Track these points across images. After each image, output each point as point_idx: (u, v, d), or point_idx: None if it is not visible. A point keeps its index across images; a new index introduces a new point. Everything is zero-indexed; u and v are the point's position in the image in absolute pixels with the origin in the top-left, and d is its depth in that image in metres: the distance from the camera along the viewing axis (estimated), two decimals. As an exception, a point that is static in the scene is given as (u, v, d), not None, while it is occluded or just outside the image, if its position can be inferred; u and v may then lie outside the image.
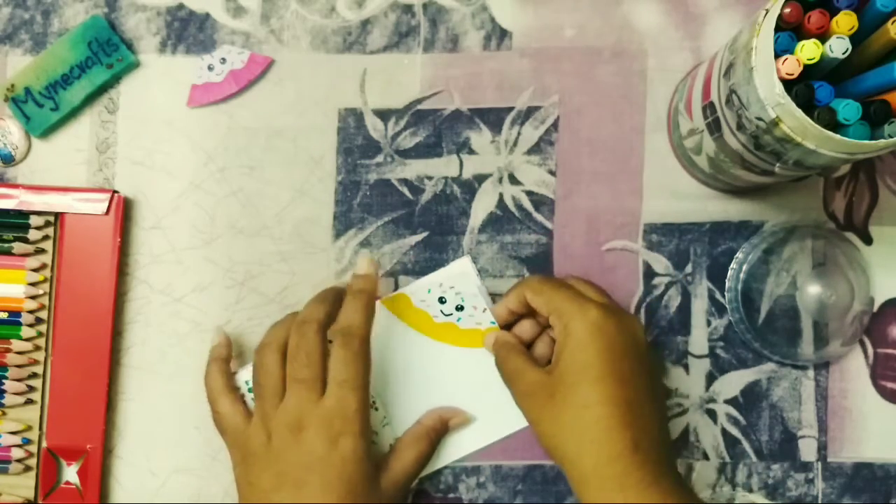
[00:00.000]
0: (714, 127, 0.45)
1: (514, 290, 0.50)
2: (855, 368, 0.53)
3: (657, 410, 0.46)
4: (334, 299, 0.49)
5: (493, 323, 0.51)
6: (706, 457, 0.53)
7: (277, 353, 0.47)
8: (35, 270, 0.51)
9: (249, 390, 0.49)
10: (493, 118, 0.53)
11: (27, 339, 0.51)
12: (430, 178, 0.53)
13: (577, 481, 0.44)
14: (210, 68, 0.53)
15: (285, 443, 0.45)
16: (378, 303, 0.51)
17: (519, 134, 0.53)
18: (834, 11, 0.38)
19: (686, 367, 0.53)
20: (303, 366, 0.45)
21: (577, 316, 0.45)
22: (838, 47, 0.37)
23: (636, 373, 0.45)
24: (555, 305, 0.47)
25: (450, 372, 0.52)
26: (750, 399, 0.53)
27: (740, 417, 0.53)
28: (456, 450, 0.52)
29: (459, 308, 0.52)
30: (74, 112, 0.53)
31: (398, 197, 0.53)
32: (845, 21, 0.37)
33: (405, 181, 0.53)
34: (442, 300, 0.52)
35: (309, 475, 0.44)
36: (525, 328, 0.50)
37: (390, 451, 0.49)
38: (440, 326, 0.52)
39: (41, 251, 0.52)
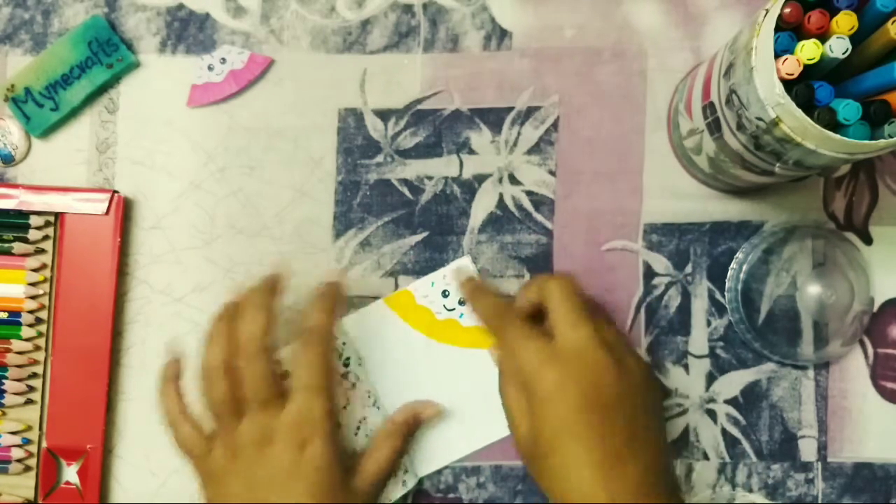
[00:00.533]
0: (714, 127, 0.45)
1: (528, 284, 0.49)
2: (855, 368, 0.53)
3: (653, 444, 0.44)
4: (266, 304, 0.46)
5: None
6: (706, 457, 0.53)
7: (226, 379, 0.45)
8: (35, 270, 0.51)
9: None
10: (493, 118, 0.53)
11: (27, 339, 0.51)
12: (430, 178, 0.53)
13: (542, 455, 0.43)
14: (210, 68, 0.53)
15: (252, 459, 0.45)
16: (381, 302, 0.52)
17: (519, 134, 0.53)
18: (834, 11, 0.38)
19: (686, 367, 0.53)
20: (259, 389, 0.45)
21: (569, 332, 0.44)
22: (838, 47, 0.37)
23: (626, 416, 0.43)
24: (555, 316, 0.45)
25: (451, 373, 0.52)
26: (750, 399, 0.53)
27: (740, 417, 0.53)
28: (457, 449, 0.52)
29: (462, 303, 0.52)
30: (74, 112, 0.53)
31: (398, 197, 0.53)
32: (845, 21, 0.37)
33: (405, 181, 0.53)
34: (445, 294, 0.52)
35: (279, 487, 0.44)
36: None
37: (363, 451, 0.49)
38: (442, 325, 0.52)
39: (41, 251, 0.52)
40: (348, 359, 0.52)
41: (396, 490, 0.51)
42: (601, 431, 0.42)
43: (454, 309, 0.52)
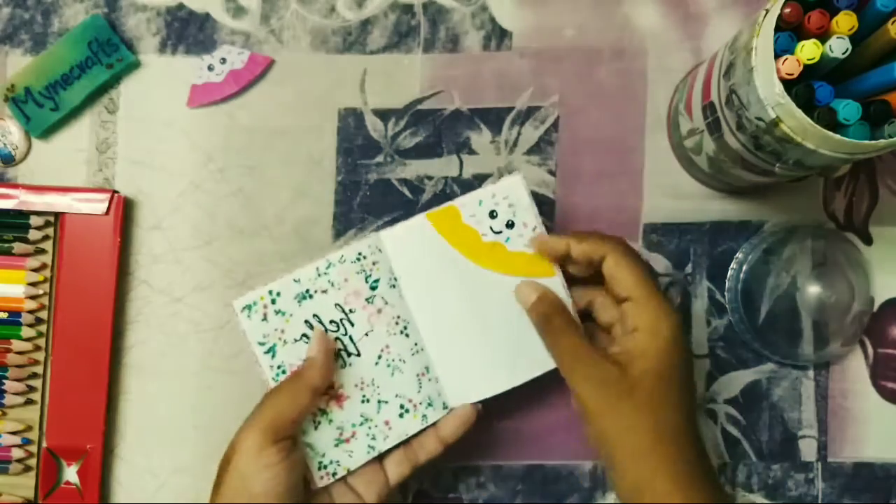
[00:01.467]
0: (714, 127, 0.45)
1: (591, 238, 0.46)
2: (855, 368, 0.53)
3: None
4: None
5: None
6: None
7: None
8: (35, 270, 0.51)
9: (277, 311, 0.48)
10: (493, 118, 0.53)
11: (27, 339, 0.51)
12: (430, 178, 0.53)
13: (629, 488, 0.43)
14: (210, 68, 0.53)
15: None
16: (423, 217, 0.48)
17: (519, 134, 0.53)
18: (834, 11, 0.38)
19: (686, 367, 0.53)
20: None
21: (669, 317, 0.44)
22: (838, 47, 0.37)
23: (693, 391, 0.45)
24: (644, 292, 0.44)
25: (492, 301, 0.48)
26: (750, 399, 0.53)
27: (740, 417, 0.53)
28: (494, 384, 0.48)
29: (510, 225, 0.48)
30: (74, 112, 0.53)
31: (398, 197, 0.53)
32: (845, 21, 0.37)
33: (405, 181, 0.53)
34: (493, 214, 0.48)
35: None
36: (584, 296, 0.48)
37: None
38: (487, 248, 0.48)
39: (41, 251, 0.52)
40: (377, 281, 0.49)
41: (415, 424, 0.48)
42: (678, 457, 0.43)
43: (501, 232, 0.48)
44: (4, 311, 0.51)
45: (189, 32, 0.54)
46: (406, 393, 0.48)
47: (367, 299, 0.49)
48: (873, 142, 0.37)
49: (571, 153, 0.53)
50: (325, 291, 0.48)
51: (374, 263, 0.49)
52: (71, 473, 0.51)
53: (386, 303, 0.49)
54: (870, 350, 0.53)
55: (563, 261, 0.48)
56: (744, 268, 0.52)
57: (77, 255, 0.51)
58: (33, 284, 0.51)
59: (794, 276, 0.52)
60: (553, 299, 0.47)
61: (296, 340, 0.48)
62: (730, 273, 0.53)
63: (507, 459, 0.53)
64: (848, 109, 0.37)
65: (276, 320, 0.48)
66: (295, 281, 0.48)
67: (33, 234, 0.51)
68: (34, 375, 0.52)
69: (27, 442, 0.51)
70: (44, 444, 0.51)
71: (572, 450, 0.53)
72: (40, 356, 0.52)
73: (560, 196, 0.53)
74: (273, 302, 0.48)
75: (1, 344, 0.51)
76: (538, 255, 0.48)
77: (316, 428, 0.47)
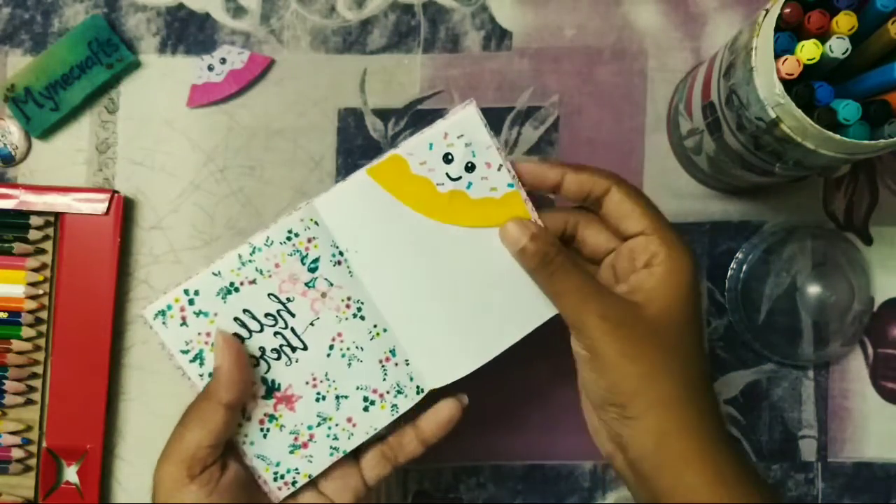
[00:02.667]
0: (714, 127, 0.45)
1: (590, 169, 0.41)
2: (855, 368, 0.53)
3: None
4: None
5: (511, 186, 0.42)
6: (706, 457, 0.53)
7: None
8: (35, 270, 0.51)
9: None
10: (493, 118, 0.53)
11: (27, 339, 0.51)
12: (430, 178, 0.53)
13: (652, 442, 0.38)
14: (210, 68, 0.53)
15: None
16: (362, 173, 0.41)
17: (519, 134, 0.53)
18: (834, 11, 0.38)
19: (686, 367, 0.53)
20: None
21: (688, 252, 0.39)
22: (838, 47, 0.37)
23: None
24: (660, 225, 0.40)
25: (460, 260, 0.42)
26: (750, 399, 0.53)
27: (740, 417, 0.53)
28: (475, 357, 0.42)
29: (469, 168, 0.41)
30: (74, 112, 0.53)
31: (398, 197, 0.53)
32: (845, 21, 0.38)
33: (405, 181, 0.53)
34: (448, 158, 0.41)
35: None
36: (560, 220, 0.42)
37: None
38: (445, 199, 0.41)
39: (41, 251, 0.52)
40: (316, 261, 0.42)
41: (383, 416, 0.43)
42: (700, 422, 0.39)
43: (460, 178, 0.41)
44: (4, 311, 0.51)
45: (189, 32, 0.54)
46: (369, 383, 0.43)
47: (306, 284, 0.42)
48: (873, 142, 0.37)
49: (571, 153, 0.53)
50: (253, 282, 0.41)
51: (309, 240, 0.42)
52: (71, 473, 0.51)
53: (331, 284, 0.42)
54: (870, 350, 0.53)
55: (550, 192, 0.42)
56: (744, 268, 0.52)
57: (77, 255, 0.51)
58: (33, 284, 0.51)
59: (794, 276, 0.52)
60: (549, 237, 0.40)
61: None
62: (730, 273, 0.53)
63: (507, 459, 0.53)
64: (848, 109, 0.37)
65: (199, 323, 0.41)
66: (214, 274, 0.41)
67: (33, 234, 0.51)
68: (34, 375, 0.52)
69: (27, 442, 0.51)
70: (44, 444, 0.51)
71: (572, 450, 0.53)
72: (40, 356, 0.52)
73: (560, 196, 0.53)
74: (191, 303, 0.41)
75: (1, 344, 0.51)
76: (508, 199, 0.41)
77: (265, 436, 0.42)
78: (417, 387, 0.43)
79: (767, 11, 0.38)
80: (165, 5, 0.54)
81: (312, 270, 0.42)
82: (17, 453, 0.51)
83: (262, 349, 0.42)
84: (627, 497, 0.53)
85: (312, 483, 0.43)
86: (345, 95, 0.54)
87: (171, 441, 0.40)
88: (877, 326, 0.53)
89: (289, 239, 0.42)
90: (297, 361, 0.42)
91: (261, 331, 0.42)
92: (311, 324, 0.42)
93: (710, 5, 0.54)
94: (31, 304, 0.51)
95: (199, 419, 0.40)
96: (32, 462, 0.51)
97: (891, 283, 0.53)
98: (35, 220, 0.51)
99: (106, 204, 0.51)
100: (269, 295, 0.42)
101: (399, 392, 0.43)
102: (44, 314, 0.52)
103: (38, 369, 0.52)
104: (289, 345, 0.42)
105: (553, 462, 0.53)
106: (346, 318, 0.42)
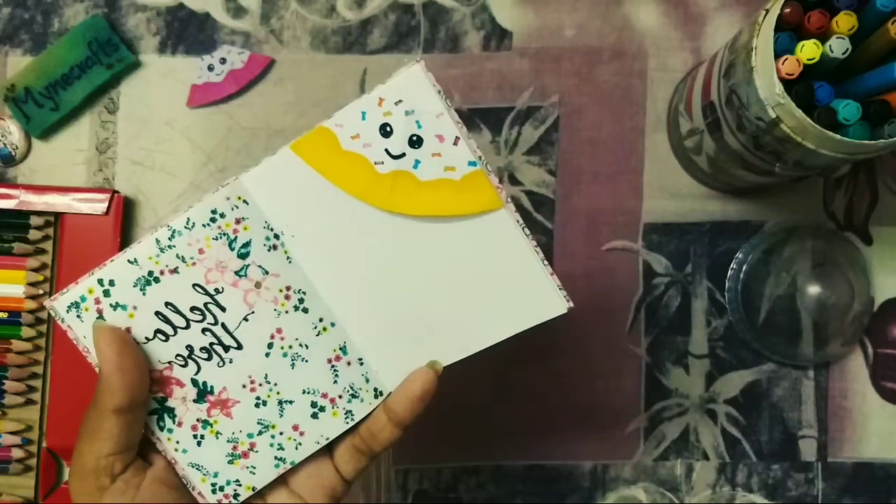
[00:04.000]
0: (714, 127, 0.45)
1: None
2: (855, 368, 0.53)
3: None
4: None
5: (473, 164, 0.34)
6: (706, 457, 0.53)
7: None
8: (35, 270, 0.51)
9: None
10: (493, 118, 0.53)
11: (27, 339, 0.51)
12: (430, 178, 0.53)
13: None
14: (210, 68, 0.53)
15: None
16: (287, 151, 0.35)
17: (519, 134, 0.53)
18: (834, 11, 0.38)
19: (686, 367, 0.53)
20: None
21: None
22: (838, 47, 0.37)
23: None
24: None
25: (412, 254, 0.35)
26: (750, 399, 0.53)
27: (740, 417, 0.53)
28: (453, 349, 0.37)
29: (415, 143, 0.34)
30: (74, 112, 0.53)
31: (398, 197, 0.53)
32: (845, 21, 0.38)
33: (405, 181, 0.53)
34: (386, 130, 0.34)
35: None
36: None
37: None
38: (388, 182, 0.34)
39: (41, 251, 0.52)
40: (246, 245, 0.36)
41: (335, 425, 0.38)
42: None
43: (403, 155, 0.34)
44: (4, 311, 0.51)
45: (189, 32, 0.54)
46: (317, 386, 0.37)
47: (237, 273, 0.36)
48: (873, 142, 0.37)
49: (571, 153, 0.53)
50: (175, 271, 0.35)
51: (237, 221, 0.35)
52: (71, 473, 0.51)
53: (266, 273, 0.36)
54: (870, 350, 0.53)
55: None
56: (744, 268, 0.52)
57: (77, 256, 0.51)
58: (33, 284, 0.51)
59: (794, 276, 0.52)
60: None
61: (149, 340, 0.36)
62: (730, 273, 0.53)
63: (507, 459, 0.53)
64: (848, 109, 0.37)
65: (117, 317, 0.35)
66: (130, 262, 0.35)
67: (33, 234, 0.51)
68: (34, 375, 0.52)
69: (27, 442, 0.51)
70: (44, 444, 0.51)
71: (572, 450, 0.53)
72: (40, 356, 0.52)
73: (560, 196, 0.53)
74: (106, 294, 0.35)
75: (1, 344, 0.51)
76: (470, 181, 0.34)
77: (200, 444, 0.37)
78: (375, 389, 0.38)
79: (767, 11, 0.38)
80: (165, 5, 0.54)
81: (243, 256, 0.36)
82: (17, 453, 0.51)
83: (190, 348, 0.36)
84: (627, 497, 0.53)
85: (283, 481, 0.39)
86: (345, 95, 0.54)
87: (73, 456, 0.36)
88: (877, 326, 0.53)
89: (213, 220, 0.35)
90: (230, 362, 0.36)
91: (187, 327, 0.36)
92: (245, 319, 0.36)
93: (710, 5, 0.54)
94: (31, 304, 0.51)
95: (90, 430, 0.35)
96: (32, 462, 0.51)
97: (891, 283, 0.53)
98: (35, 220, 0.51)
99: (106, 204, 0.51)
100: (193, 286, 0.36)
101: (353, 396, 0.37)
102: (44, 314, 0.52)
103: (38, 369, 0.52)
104: (220, 343, 0.36)
105: (553, 462, 0.53)
106: (287, 312, 0.36)
